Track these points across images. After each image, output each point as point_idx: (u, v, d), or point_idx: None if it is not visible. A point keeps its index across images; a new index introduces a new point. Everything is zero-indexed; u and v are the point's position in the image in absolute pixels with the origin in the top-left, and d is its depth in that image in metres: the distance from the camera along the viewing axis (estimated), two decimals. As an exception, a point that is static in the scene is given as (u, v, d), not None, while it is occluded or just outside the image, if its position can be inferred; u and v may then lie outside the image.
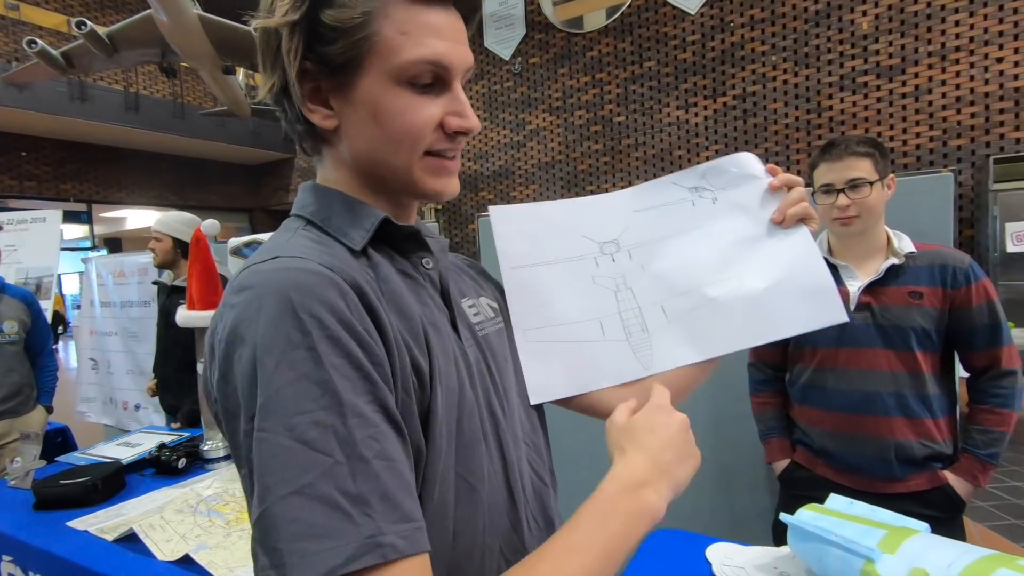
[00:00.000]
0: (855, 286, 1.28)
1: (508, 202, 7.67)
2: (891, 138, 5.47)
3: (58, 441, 2.64)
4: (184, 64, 5.69)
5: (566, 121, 7.10)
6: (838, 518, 0.99)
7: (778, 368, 1.45)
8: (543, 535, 0.59)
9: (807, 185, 1.30)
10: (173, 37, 4.59)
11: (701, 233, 0.73)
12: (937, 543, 0.87)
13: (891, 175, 1.27)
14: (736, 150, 6.55)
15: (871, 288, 1.26)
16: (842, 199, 1.24)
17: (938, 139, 5.33)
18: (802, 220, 0.70)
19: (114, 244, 11.91)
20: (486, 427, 0.54)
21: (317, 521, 0.38)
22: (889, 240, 1.29)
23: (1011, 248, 4.31)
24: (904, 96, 5.38)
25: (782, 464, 1.40)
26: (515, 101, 7.40)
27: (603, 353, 0.70)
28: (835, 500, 1.08)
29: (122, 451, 1.84)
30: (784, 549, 1.09)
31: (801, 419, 1.39)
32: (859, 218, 1.25)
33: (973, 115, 5.19)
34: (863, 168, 1.23)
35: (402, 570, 0.39)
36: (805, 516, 1.02)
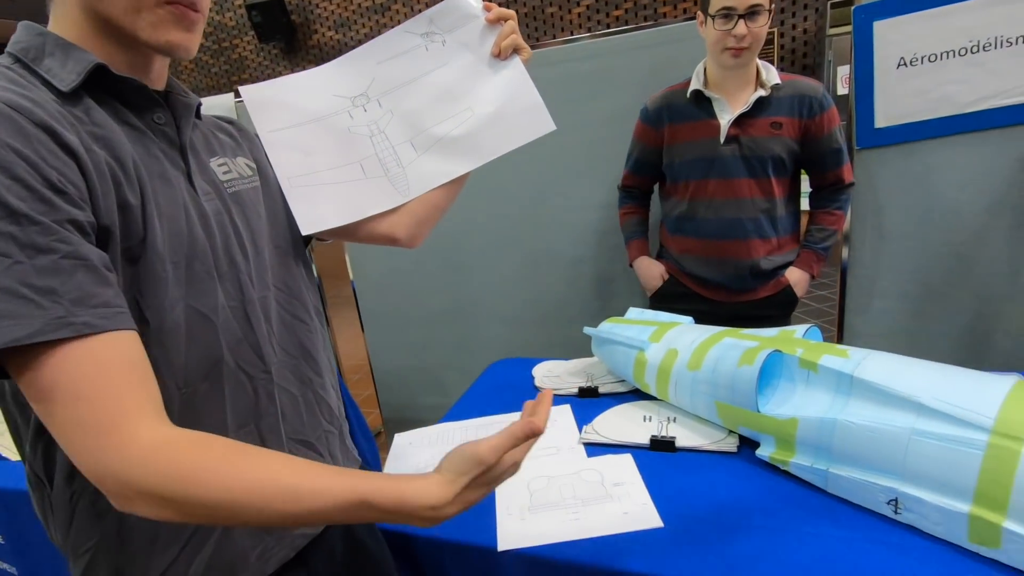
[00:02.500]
0: (725, 119, 1.32)
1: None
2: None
3: None
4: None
5: (431, -22, 6.50)
6: (628, 324, 1.20)
7: (644, 190, 1.55)
8: (293, 361, 0.68)
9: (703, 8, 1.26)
10: None
11: (436, 74, 0.82)
12: (689, 329, 1.09)
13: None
14: (607, 4, 6.36)
15: (739, 120, 1.30)
16: (741, 27, 1.21)
17: (789, -15, 5.51)
18: (515, 51, 0.80)
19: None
20: (222, 269, 0.60)
21: (4, 309, 0.41)
22: (759, 71, 1.32)
23: (841, 90, 4.75)
24: (760, -61, 5.41)
25: (643, 260, 1.52)
26: (372, -45, 6.60)
27: (366, 188, 0.80)
28: (632, 312, 1.29)
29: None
30: (593, 358, 1.30)
31: (674, 248, 1.47)
32: (749, 50, 1.24)
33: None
34: None
35: (104, 342, 0.45)
36: (604, 326, 1.22)
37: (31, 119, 0.46)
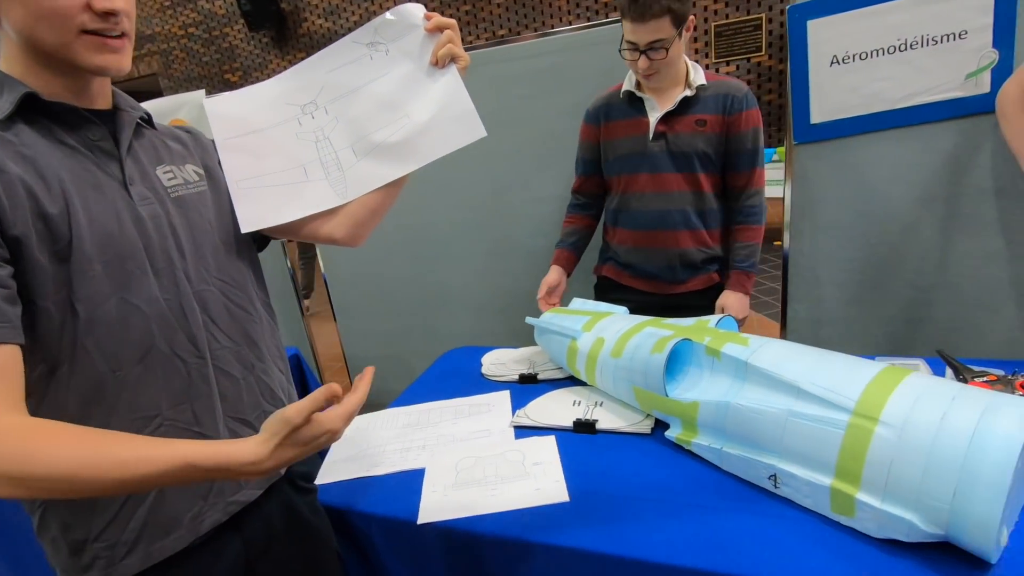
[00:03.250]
0: (654, 117, 1.38)
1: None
2: (736, -30, 5.56)
3: None
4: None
5: (419, -36, 6.46)
6: (567, 314, 1.26)
7: (594, 197, 1.57)
8: (238, 348, 0.75)
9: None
10: None
11: (379, 83, 0.86)
12: (618, 319, 1.15)
13: (691, 16, 1.29)
14: (597, -15, 6.30)
15: (666, 118, 1.36)
16: (643, 62, 1.28)
17: (776, -30, 5.50)
18: (452, 59, 0.83)
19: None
20: (157, 266, 0.67)
21: None
22: (688, 72, 1.37)
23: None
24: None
25: (554, 268, 1.55)
26: (359, -58, 6.56)
27: (307, 190, 0.86)
28: (575, 302, 1.35)
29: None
30: (537, 347, 1.37)
31: (613, 240, 1.54)
32: (659, 73, 1.32)
33: (807, -58, 5.35)
34: (663, 29, 1.25)
35: None
36: (545, 316, 1.29)
37: None
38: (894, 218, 1.42)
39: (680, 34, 1.28)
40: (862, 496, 0.70)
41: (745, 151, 1.37)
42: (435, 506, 0.87)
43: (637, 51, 1.28)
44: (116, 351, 0.64)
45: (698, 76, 1.36)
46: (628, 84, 1.41)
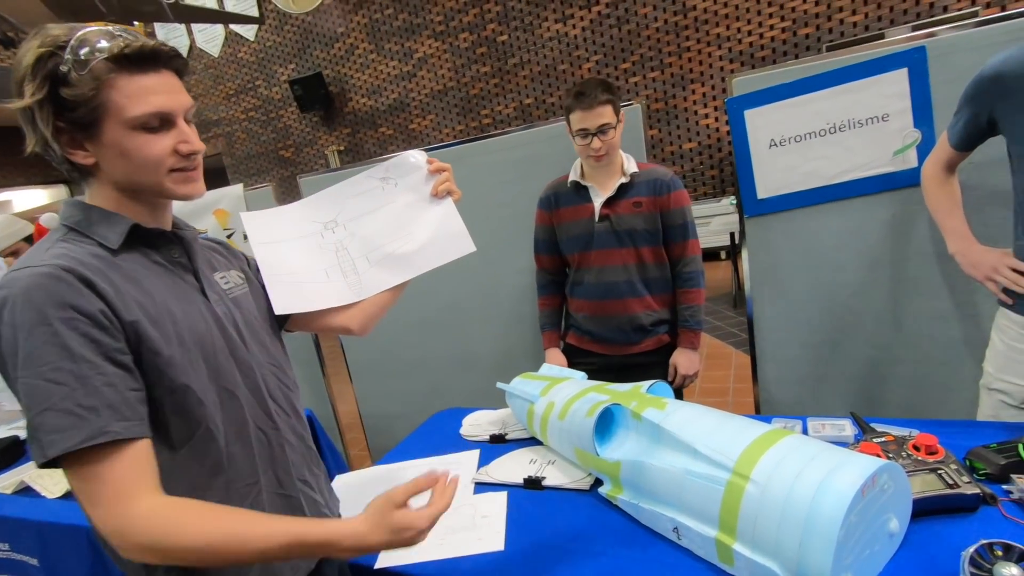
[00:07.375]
0: (598, 202, 1.60)
1: (408, 135, 7.69)
2: (748, 32, 5.81)
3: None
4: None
5: (452, 45, 7.04)
6: (532, 379, 1.40)
7: (556, 273, 1.77)
8: (290, 419, 0.87)
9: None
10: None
11: (389, 208, 1.09)
12: (570, 385, 1.28)
13: (621, 112, 1.54)
14: (614, 59, 6.66)
15: (608, 203, 1.58)
16: (595, 143, 1.51)
17: (788, 29, 5.70)
18: (448, 193, 1.05)
19: (7, 230, 11.16)
20: (236, 355, 0.80)
21: (62, 424, 0.61)
22: (623, 162, 1.61)
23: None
24: (757, -10, 5.65)
25: (551, 351, 1.79)
26: (398, 29, 7.23)
27: (329, 288, 1.05)
28: (543, 368, 1.49)
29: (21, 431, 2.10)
30: (508, 409, 1.51)
31: (572, 308, 1.76)
32: (607, 155, 1.55)
33: (817, 3, 5.55)
34: (607, 114, 1.50)
35: (127, 447, 0.64)
36: (515, 382, 1.43)
37: (77, 276, 0.66)
38: (846, 282, 1.51)
39: (619, 120, 1.53)
40: (737, 547, 0.80)
41: (676, 225, 1.58)
42: (393, 553, 1.01)
43: (589, 135, 1.52)
44: (225, 429, 0.76)
45: (631, 165, 1.59)
46: (574, 175, 1.64)
